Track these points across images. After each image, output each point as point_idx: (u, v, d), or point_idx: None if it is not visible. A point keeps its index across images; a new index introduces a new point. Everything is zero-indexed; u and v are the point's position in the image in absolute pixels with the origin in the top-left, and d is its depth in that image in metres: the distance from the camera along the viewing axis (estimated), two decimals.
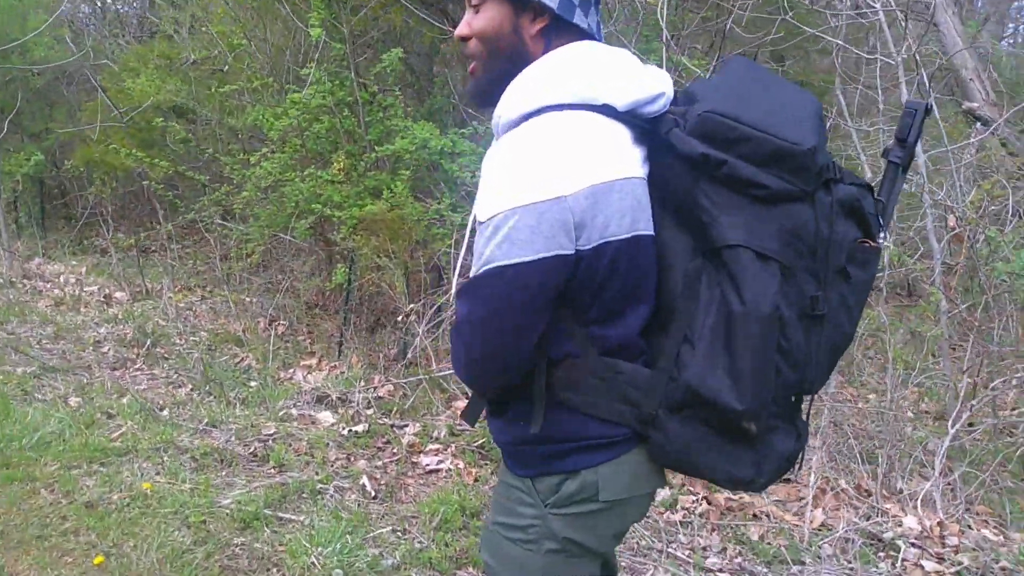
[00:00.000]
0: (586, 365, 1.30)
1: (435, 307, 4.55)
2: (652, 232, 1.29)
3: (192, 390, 4.46)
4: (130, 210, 8.82)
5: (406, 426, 4.06)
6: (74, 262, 8.11)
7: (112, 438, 3.61)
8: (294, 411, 4.26)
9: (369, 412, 4.25)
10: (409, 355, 4.66)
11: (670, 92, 1.33)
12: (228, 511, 3.03)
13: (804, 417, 1.40)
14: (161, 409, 4.07)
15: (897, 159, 1.35)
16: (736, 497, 3.49)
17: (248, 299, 6.07)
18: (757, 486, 1.33)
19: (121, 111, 6.78)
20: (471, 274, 1.25)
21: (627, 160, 1.26)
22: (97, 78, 8.25)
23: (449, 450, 3.84)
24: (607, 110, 1.25)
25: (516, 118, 1.27)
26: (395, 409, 4.28)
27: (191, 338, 5.53)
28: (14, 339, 5.23)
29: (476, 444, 3.83)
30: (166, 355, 5.14)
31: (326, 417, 4.19)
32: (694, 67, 5.35)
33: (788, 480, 3.69)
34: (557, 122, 1.22)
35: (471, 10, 1.37)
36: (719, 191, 1.22)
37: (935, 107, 3.87)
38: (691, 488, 3.53)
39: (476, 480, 3.54)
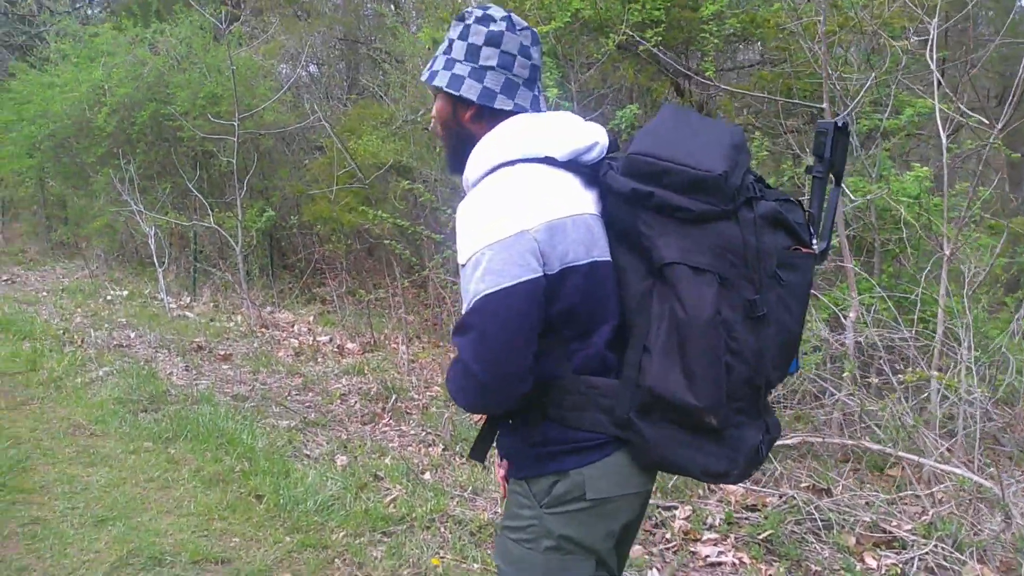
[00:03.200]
0: (565, 384, 1.50)
1: None
2: (608, 259, 1.52)
3: (444, 450, 4.41)
4: (356, 264, 9.22)
5: (675, 508, 3.77)
6: (302, 311, 8.56)
7: (386, 503, 3.57)
8: None
9: None
10: None
11: (604, 141, 1.58)
12: None
13: (772, 413, 1.58)
14: (423, 472, 4.03)
15: (818, 173, 1.55)
16: None
17: None
18: (733, 479, 1.52)
19: (361, 172, 7.05)
20: (463, 311, 1.47)
21: (576, 200, 1.51)
22: (332, 140, 8.76)
23: (728, 541, 3.50)
24: (549, 161, 1.52)
25: (479, 176, 1.54)
26: (655, 488, 4.00)
27: (426, 392, 5.56)
28: (268, 390, 5.46)
29: (761, 536, 3.47)
30: (408, 410, 5.17)
31: None
32: (973, 119, 4.83)
33: None
34: (509, 174, 1.49)
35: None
36: (653, 218, 1.44)
37: None
38: None
39: None
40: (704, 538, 3.53)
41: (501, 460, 1.65)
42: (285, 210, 10.44)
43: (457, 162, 1.64)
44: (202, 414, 4.51)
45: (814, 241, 1.53)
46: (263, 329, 7.56)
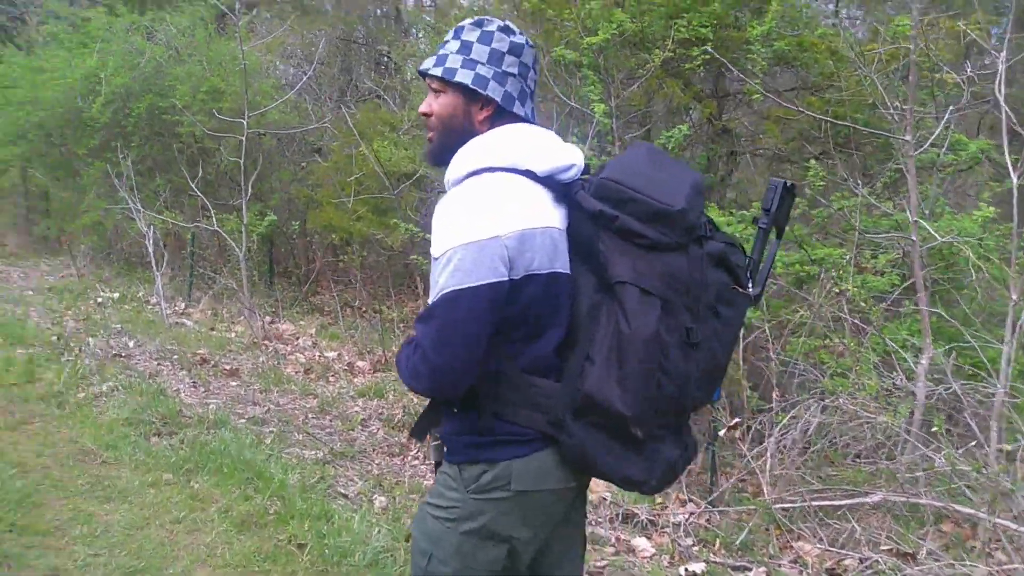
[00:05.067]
0: (510, 380, 1.58)
1: (763, 421, 3.99)
2: (568, 271, 1.61)
3: None
4: (366, 276, 8.85)
5: (748, 570, 3.49)
6: (302, 323, 8.16)
7: None
8: (601, 530, 3.79)
9: (688, 543, 3.72)
10: (727, 481, 4.10)
11: (580, 164, 1.67)
12: None
13: (692, 434, 1.70)
14: None
15: (763, 225, 1.71)
16: None
17: None
18: (648, 488, 1.62)
19: (388, 181, 6.71)
20: (429, 301, 1.55)
21: (547, 214, 1.60)
22: (338, 144, 8.39)
23: None
24: (529, 174, 1.60)
25: (461, 176, 1.60)
26: (718, 542, 3.72)
27: None
28: (284, 413, 5.09)
29: None
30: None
31: (642, 544, 3.69)
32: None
33: None
34: (491, 180, 1.56)
35: (433, 93, 1.71)
36: (613, 240, 1.54)
37: None
38: None
39: None
40: None
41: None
42: (283, 214, 10.03)
43: (445, 155, 1.69)
44: (223, 442, 4.13)
45: (750, 284, 1.66)
46: (266, 341, 7.17)
